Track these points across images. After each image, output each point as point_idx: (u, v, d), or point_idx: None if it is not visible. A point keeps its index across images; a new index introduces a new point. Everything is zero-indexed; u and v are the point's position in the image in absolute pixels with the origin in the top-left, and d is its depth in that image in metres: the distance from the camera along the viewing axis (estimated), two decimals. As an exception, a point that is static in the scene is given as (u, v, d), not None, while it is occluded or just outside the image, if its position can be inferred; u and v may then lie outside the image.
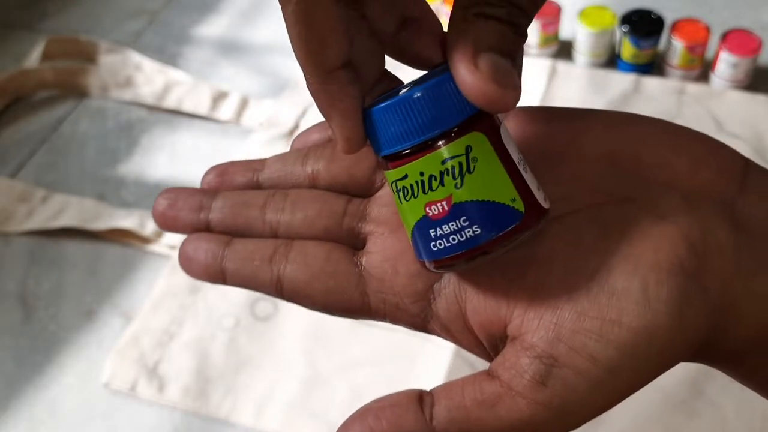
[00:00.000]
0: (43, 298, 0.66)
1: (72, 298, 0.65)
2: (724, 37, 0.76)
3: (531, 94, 0.78)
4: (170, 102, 0.80)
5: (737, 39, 0.75)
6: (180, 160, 0.76)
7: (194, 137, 0.78)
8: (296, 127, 0.77)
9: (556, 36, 0.82)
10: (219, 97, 0.80)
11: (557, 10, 0.81)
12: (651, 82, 0.78)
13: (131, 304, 0.65)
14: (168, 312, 0.63)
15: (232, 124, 0.79)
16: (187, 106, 0.80)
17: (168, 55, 0.87)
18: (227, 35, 0.90)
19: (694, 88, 0.77)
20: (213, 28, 0.91)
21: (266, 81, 0.84)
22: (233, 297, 0.63)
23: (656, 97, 0.76)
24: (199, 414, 0.57)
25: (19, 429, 0.58)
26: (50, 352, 0.62)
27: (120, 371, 0.59)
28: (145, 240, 0.68)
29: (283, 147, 0.75)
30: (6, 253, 0.69)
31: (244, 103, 0.79)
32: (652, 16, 0.78)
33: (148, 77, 0.81)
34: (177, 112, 0.80)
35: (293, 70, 0.84)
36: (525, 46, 0.85)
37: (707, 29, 0.77)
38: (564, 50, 0.83)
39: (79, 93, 0.83)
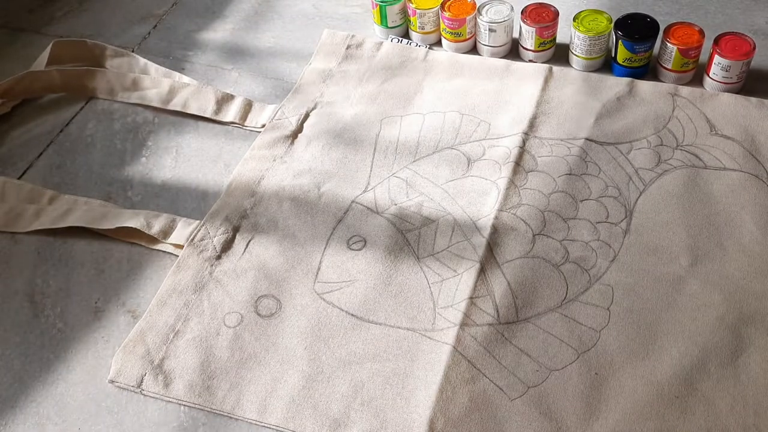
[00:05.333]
0: (50, 296, 0.67)
1: (79, 296, 0.67)
2: (718, 40, 0.77)
3: (528, 98, 0.79)
4: (175, 105, 0.81)
5: (730, 42, 0.77)
6: (185, 161, 0.78)
7: (199, 139, 0.80)
8: (300, 129, 0.78)
9: (552, 40, 0.83)
10: (223, 100, 0.81)
11: (554, 15, 0.82)
12: (645, 85, 0.79)
13: (137, 302, 0.66)
14: (173, 309, 0.64)
15: (236, 127, 0.80)
16: (192, 109, 0.81)
17: (173, 59, 0.89)
18: (231, 40, 0.91)
19: (687, 90, 0.78)
20: (217, 32, 0.92)
21: (269, 84, 0.85)
22: (237, 295, 0.65)
23: (650, 100, 0.78)
24: (203, 409, 0.59)
25: (27, 424, 0.59)
26: (58, 349, 0.63)
27: (126, 368, 0.61)
28: (152, 239, 0.69)
29: (286, 149, 0.77)
30: (14, 252, 0.70)
31: (248, 106, 0.81)
32: (647, 20, 0.80)
33: (154, 80, 0.83)
34: (182, 115, 0.81)
35: (296, 74, 0.86)
36: (522, 50, 0.87)
37: (701, 33, 0.78)
38: (560, 53, 0.84)
39: (86, 95, 0.84)
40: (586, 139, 0.74)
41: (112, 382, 0.60)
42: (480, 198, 0.70)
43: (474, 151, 0.74)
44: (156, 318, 0.64)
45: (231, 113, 0.80)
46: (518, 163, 0.73)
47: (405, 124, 0.78)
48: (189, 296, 0.65)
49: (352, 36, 0.88)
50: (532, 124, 0.76)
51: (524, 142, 0.75)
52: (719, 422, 0.55)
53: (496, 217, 0.68)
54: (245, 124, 0.80)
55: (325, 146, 0.77)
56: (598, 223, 0.68)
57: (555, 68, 0.82)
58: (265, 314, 0.64)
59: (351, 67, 0.85)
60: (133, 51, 0.90)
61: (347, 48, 0.87)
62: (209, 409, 0.59)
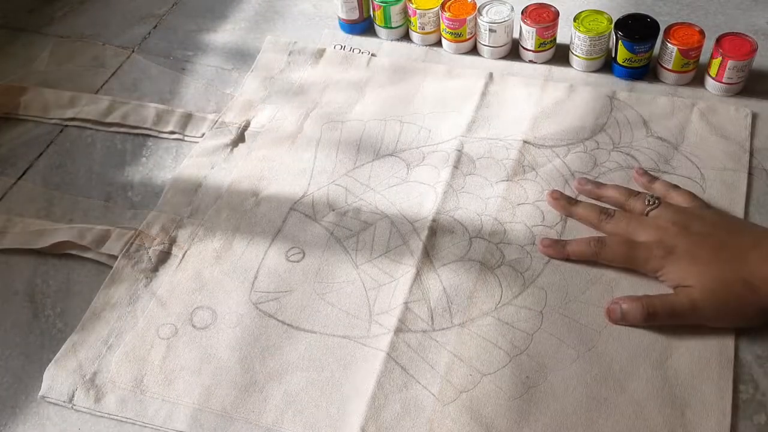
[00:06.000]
0: (50, 296, 0.67)
1: (80, 296, 0.67)
2: (719, 40, 0.78)
3: (468, 103, 0.79)
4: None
5: (731, 43, 0.77)
6: (186, 161, 0.78)
7: (200, 139, 0.79)
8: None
9: (553, 40, 0.83)
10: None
11: (554, 15, 0.82)
12: (584, 90, 0.80)
13: None
14: (107, 323, 0.63)
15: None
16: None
17: (173, 59, 0.89)
18: (232, 40, 0.92)
19: (624, 94, 0.79)
20: (218, 33, 0.93)
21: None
22: (172, 307, 0.64)
23: (588, 104, 0.78)
24: (135, 424, 0.58)
25: (27, 425, 0.59)
26: (58, 349, 0.63)
27: (56, 383, 0.60)
28: (85, 248, 0.69)
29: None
30: (14, 252, 0.70)
31: (187, 117, 0.80)
32: (647, 20, 0.80)
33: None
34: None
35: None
36: (522, 50, 0.86)
37: (701, 33, 0.79)
38: (560, 54, 0.85)
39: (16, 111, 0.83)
40: (524, 141, 0.75)
41: (43, 398, 0.60)
42: (418, 202, 0.71)
43: (413, 157, 0.75)
44: (89, 332, 0.63)
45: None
46: (456, 166, 0.73)
47: (345, 130, 0.78)
48: (123, 309, 0.64)
49: (295, 42, 0.88)
50: (471, 128, 0.77)
51: (462, 144, 0.75)
52: (648, 423, 0.55)
53: (433, 220, 0.68)
54: (185, 134, 0.79)
55: (265, 154, 0.76)
56: (534, 226, 0.68)
57: (495, 74, 0.82)
58: (200, 326, 0.63)
59: (293, 74, 0.84)
60: (133, 51, 0.90)
61: (289, 54, 0.87)
62: (141, 423, 0.58)
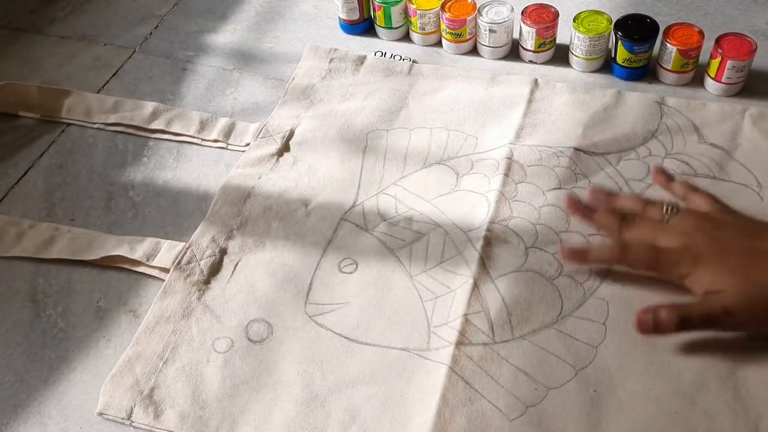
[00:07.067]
0: (52, 296, 0.67)
1: (81, 296, 0.67)
2: (718, 41, 0.77)
3: (514, 110, 0.78)
4: (158, 124, 0.80)
5: (731, 43, 0.77)
6: (187, 161, 0.77)
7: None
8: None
9: (552, 40, 0.83)
10: (207, 121, 0.80)
11: (554, 16, 0.82)
12: (632, 96, 0.79)
13: (139, 301, 0.66)
14: (161, 337, 0.62)
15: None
16: (175, 128, 0.80)
17: (174, 60, 0.89)
18: (233, 40, 0.91)
19: (674, 100, 0.78)
20: (219, 33, 0.92)
21: (270, 85, 0.85)
22: (227, 320, 0.63)
23: (637, 110, 0.77)
24: (196, 439, 0.57)
25: (29, 423, 0.59)
26: (60, 348, 0.63)
27: (114, 400, 0.59)
28: (136, 263, 0.68)
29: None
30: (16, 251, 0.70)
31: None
32: (647, 20, 0.79)
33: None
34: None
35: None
36: (522, 50, 0.87)
37: (701, 34, 0.78)
38: (560, 54, 0.84)
39: (61, 116, 0.83)
40: (575, 148, 0.74)
41: (100, 414, 0.59)
42: (471, 211, 0.70)
43: (462, 166, 0.74)
44: (144, 346, 0.62)
45: (215, 132, 0.79)
46: (507, 174, 0.72)
47: (391, 139, 0.77)
48: (177, 323, 0.63)
49: (335, 50, 0.87)
50: (519, 135, 0.76)
51: (512, 152, 0.74)
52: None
53: (488, 229, 0.68)
54: (229, 143, 0.78)
55: (311, 163, 0.75)
56: (590, 235, 0.67)
57: (540, 80, 0.81)
58: (256, 339, 0.62)
59: (334, 82, 0.84)
60: (134, 51, 0.90)
61: (330, 62, 0.86)
62: (202, 439, 0.57)
